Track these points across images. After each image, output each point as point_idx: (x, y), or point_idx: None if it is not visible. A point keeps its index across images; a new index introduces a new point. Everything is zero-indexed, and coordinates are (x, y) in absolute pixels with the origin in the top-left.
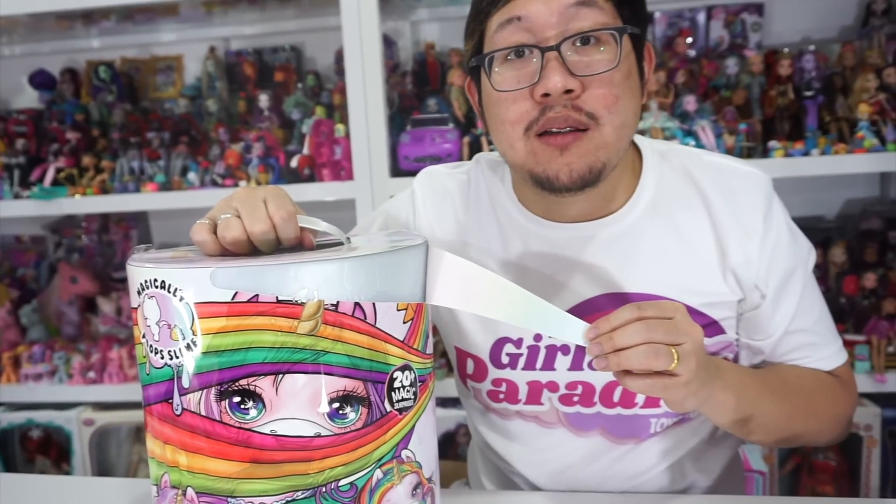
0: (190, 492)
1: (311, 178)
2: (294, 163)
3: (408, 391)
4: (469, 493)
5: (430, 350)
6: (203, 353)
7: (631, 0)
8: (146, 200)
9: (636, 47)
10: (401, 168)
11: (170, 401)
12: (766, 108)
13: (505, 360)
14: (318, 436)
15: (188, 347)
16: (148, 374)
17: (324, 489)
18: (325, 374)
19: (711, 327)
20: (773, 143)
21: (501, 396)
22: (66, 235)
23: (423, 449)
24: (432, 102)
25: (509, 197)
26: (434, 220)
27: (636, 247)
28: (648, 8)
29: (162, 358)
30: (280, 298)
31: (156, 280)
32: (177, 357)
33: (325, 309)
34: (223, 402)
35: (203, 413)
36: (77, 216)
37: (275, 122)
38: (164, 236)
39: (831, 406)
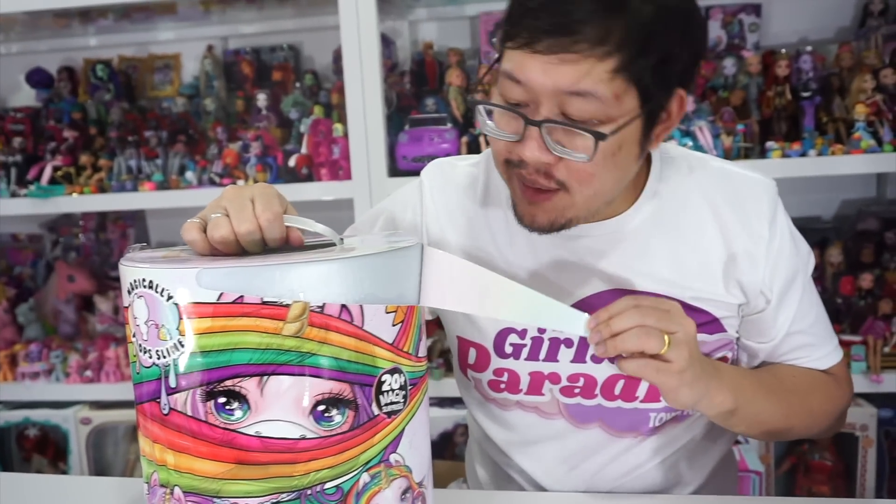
0: (177, 491)
1: (308, 178)
2: (292, 162)
3: (397, 394)
4: (466, 493)
5: (422, 353)
6: (189, 353)
7: (662, 63)
8: (143, 199)
9: (650, 112)
10: (399, 168)
11: (158, 400)
12: (764, 109)
13: (508, 349)
14: (304, 438)
15: (175, 347)
16: (138, 373)
17: (309, 492)
18: (311, 376)
19: (712, 325)
20: (770, 144)
21: (502, 386)
22: (63, 234)
23: (414, 453)
24: (430, 102)
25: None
26: (443, 212)
27: (640, 248)
28: None
29: (150, 357)
30: (265, 300)
31: (144, 280)
32: (164, 357)
33: (311, 311)
34: (209, 403)
35: (189, 413)
36: (74, 215)
37: (273, 122)
38: (161, 235)
39: (825, 404)
